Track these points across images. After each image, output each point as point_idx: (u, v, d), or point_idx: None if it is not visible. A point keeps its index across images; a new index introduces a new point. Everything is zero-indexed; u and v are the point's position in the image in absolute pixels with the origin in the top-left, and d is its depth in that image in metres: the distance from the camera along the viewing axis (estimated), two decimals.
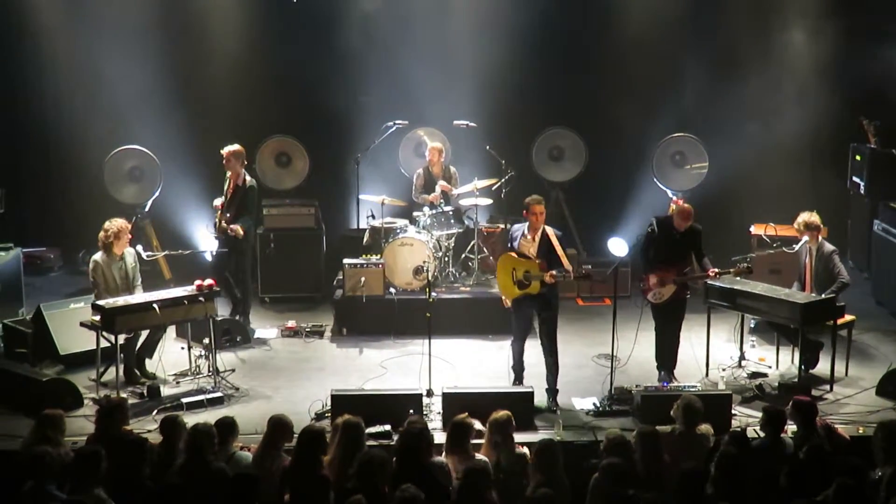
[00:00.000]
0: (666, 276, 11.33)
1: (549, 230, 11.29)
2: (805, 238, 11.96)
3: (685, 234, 11.35)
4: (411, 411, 10.08)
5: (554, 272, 10.97)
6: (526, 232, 11.23)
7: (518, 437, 9.19)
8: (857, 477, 7.77)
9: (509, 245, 11.41)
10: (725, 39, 15.83)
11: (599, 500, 7.93)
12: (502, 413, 8.91)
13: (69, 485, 7.85)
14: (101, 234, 11.52)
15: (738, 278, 11.73)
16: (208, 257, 12.94)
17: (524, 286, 11.12)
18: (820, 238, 11.96)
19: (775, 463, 8.33)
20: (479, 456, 8.75)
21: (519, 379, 11.40)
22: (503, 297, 11.41)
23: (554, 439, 8.95)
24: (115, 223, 11.56)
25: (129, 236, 11.65)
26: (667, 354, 11.61)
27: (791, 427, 9.90)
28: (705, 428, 9.13)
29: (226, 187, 13.12)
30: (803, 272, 11.99)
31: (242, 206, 13.03)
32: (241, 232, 12.87)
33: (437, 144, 14.37)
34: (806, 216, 11.98)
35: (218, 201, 13.03)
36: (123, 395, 11.00)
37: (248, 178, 13.10)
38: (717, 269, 11.35)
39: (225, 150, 13.06)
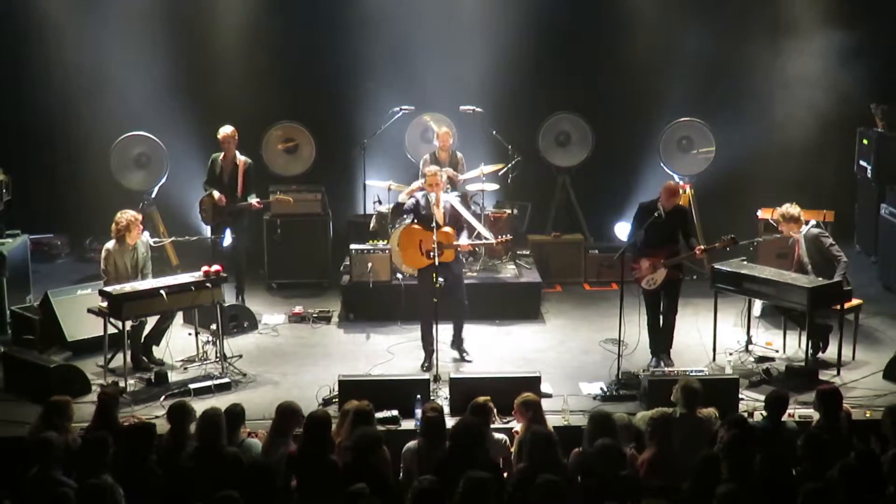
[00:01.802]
0: (656, 261, 11.32)
1: (451, 197, 11.90)
2: (790, 233, 11.93)
3: (672, 215, 11.33)
4: (418, 396, 10.08)
5: (471, 242, 11.76)
6: (431, 201, 11.60)
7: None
8: (866, 460, 7.76)
9: (412, 216, 11.74)
10: (732, 23, 15.77)
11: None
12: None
13: (76, 471, 7.86)
14: (113, 225, 11.51)
15: (744, 261, 11.72)
16: (227, 242, 12.91)
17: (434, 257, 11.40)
18: (803, 227, 11.89)
19: (777, 446, 8.31)
20: (498, 436, 8.78)
21: (429, 356, 11.65)
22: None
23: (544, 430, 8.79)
24: (126, 215, 11.54)
25: (141, 227, 11.64)
26: (662, 337, 11.61)
27: (799, 411, 9.97)
28: (708, 411, 9.12)
29: (217, 171, 13.34)
30: (800, 264, 11.92)
31: (249, 183, 13.33)
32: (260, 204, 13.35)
33: (447, 129, 14.34)
34: (784, 207, 11.91)
35: (216, 194, 13.18)
36: (132, 381, 11.08)
37: (241, 156, 13.35)
38: (703, 246, 11.34)
39: (225, 132, 13.28)
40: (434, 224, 11.44)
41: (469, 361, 11.85)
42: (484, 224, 13.71)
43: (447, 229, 11.52)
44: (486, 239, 11.59)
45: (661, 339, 11.60)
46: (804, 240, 11.82)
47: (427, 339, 11.71)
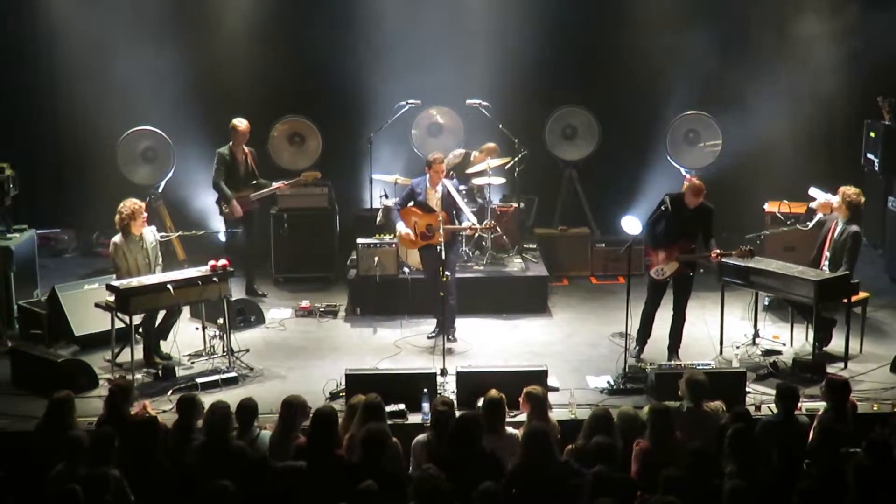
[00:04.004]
0: (671, 254, 11.30)
1: (448, 183, 12.21)
2: (836, 213, 11.87)
3: (696, 211, 11.29)
4: (425, 390, 10.09)
5: (455, 227, 12.01)
6: (428, 186, 12.06)
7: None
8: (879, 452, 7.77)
9: (409, 200, 12.24)
10: (739, 15, 15.74)
11: None
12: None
13: (84, 466, 7.87)
14: (116, 217, 11.48)
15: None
16: (222, 238, 12.98)
17: (427, 237, 11.89)
18: (851, 221, 11.74)
19: (788, 439, 8.30)
20: (511, 430, 8.79)
21: (445, 325, 12.01)
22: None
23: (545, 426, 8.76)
24: (128, 204, 11.52)
25: (145, 215, 11.64)
26: (671, 334, 11.60)
27: (806, 404, 9.95)
28: (715, 405, 9.11)
29: (233, 165, 13.54)
30: (822, 241, 11.90)
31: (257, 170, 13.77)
32: None
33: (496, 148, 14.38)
34: (852, 190, 11.79)
35: (236, 205, 13.46)
36: (139, 375, 11.10)
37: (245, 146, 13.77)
38: (719, 251, 11.28)
39: (247, 125, 13.62)
40: (425, 205, 11.99)
41: (454, 340, 12.14)
42: (490, 217, 13.71)
43: (440, 213, 11.87)
44: (472, 225, 11.97)
45: (670, 337, 11.58)
46: (840, 226, 11.75)
47: (438, 308, 11.98)
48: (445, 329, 12.02)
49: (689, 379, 9.09)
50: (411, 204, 12.22)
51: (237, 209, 13.38)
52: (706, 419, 8.93)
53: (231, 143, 13.55)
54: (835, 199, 11.95)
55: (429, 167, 12.05)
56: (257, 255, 14.15)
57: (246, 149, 13.65)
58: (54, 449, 8.17)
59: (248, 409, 8.83)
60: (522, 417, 9.27)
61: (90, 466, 7.73)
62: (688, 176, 14.59)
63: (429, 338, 12.25)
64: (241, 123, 13.55)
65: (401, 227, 12.13)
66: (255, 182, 13.65)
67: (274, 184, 13.71)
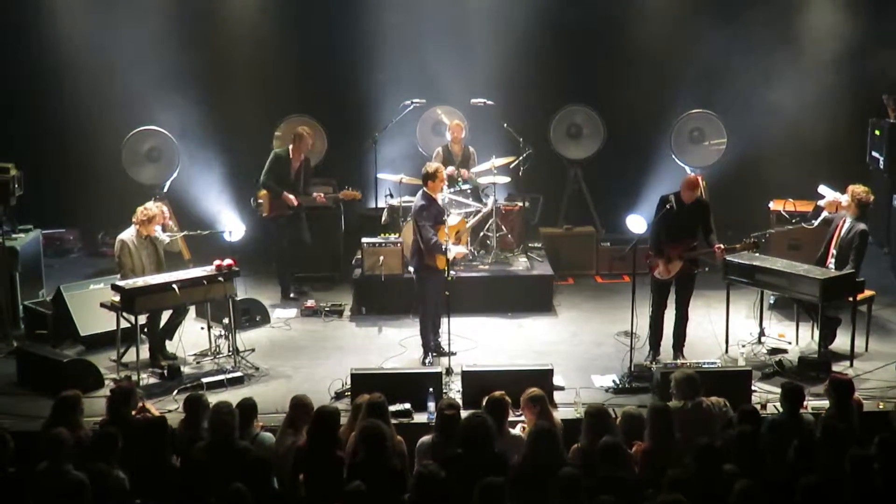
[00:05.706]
0: (672, 253, 11.26)
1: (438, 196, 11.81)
2: (844, 212, 11.85)
3: (693, 207, 11.24)
4: (430, 389, 10.08)
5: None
6: (437, 198, 11.61)
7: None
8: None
9: (434, 219, 11.49)
10: (745, 13, 15.71)
11: None
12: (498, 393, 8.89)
13: (86, 466, 7.87)
14: (141, 210, 11.58)
15: (757, 254, 11.70)
16: (226, 237, 12.96)
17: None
18: (859, 219, 11.73)
19: (793, 438, 8.28)
20: (514, 432, 8.77)
21: (429, 352, 11.67)
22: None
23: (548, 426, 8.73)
24: (157, 210, 11.65)
25: (161, 224, 11.70)
26: (675, 333, 11.57)
27: (812, 403, 9.94)
28: (716, 400, 9.08)
29: (287, 169, 13.62)
30: (829, 239, 11.88)
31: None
32: None
33: (459, 121, 14.38)
34: (862, 189, 11.80)
35: (290, 196, 13.61)
36: (144, 375, 11.11)
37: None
38: (723, 246, 11.26)
39: (312, 134, 13.96)
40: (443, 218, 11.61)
41: (453, 354, 11.54)
42: (495, 217, 13.72)
43: (456, 220, 11.55)
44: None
45: (674, 336, 11.55)
46: (848, 225, 11.73)
47: (427, 336, 11.71)
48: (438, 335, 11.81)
49: (682, 377, 9.04)
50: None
51: (291, 199, 13.50)
52: (708, 416, 8.91)
53: (291, 146, 13.65)
54: (843, 198, 11.95)
55: (433, 179, 11.52)
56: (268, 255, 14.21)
57: (303, 156, 13.73)
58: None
59: (247, 408, 8.84)
60: (523, 418, 9.27)
61: (90, 464, 7.74)
62: (692, 175, 14.59)
63: (426, 364, 11.58)
64: (307, 133, 13.70)
65: (457, 248, 11.71)
66: (299, 191, 13.69)
67: (315, 194, 13.86)
